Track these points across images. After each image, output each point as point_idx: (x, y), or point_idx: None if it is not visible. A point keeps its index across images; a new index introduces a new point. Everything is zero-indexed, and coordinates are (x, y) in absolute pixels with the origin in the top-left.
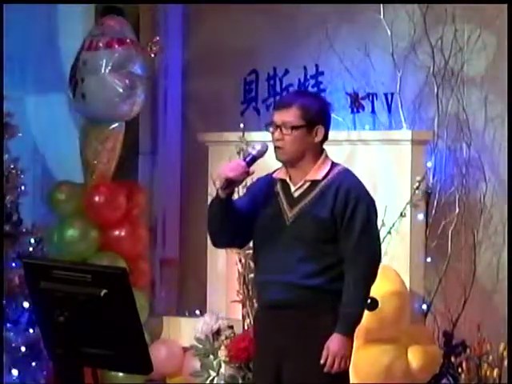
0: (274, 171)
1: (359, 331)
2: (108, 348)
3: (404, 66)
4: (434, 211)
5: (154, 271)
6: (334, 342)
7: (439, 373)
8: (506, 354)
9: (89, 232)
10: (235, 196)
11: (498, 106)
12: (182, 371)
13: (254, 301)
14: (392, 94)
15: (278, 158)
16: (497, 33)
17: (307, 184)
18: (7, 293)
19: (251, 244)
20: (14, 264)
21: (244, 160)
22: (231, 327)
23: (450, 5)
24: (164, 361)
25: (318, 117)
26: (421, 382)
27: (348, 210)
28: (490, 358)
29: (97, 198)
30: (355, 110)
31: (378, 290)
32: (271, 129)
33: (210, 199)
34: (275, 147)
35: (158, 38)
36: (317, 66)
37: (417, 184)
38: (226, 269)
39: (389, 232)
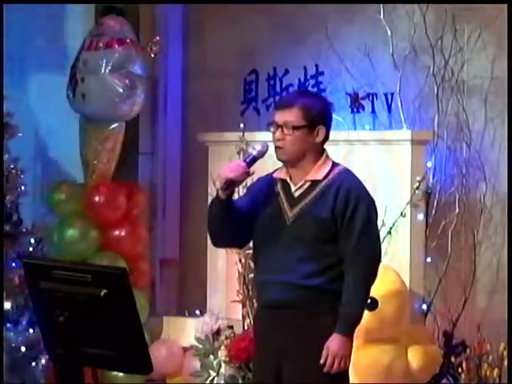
0: (275, 171)
1: (359, 331)
2: (108, 348)
3: (404, 66)
4: (434, 211)
5: (154, 271)
6: (334, 342)
7: (439, 373)
8: (506, 353)
9: (89, 232)
10: (235, 196)
11: (497, 106)
12: (181, 371)
13: (254, 301)
14: (392, 94)
15: (278, 158)
16: (497, 33)
17: (307, 184)
18: (7, 293)
19: (251, 244)
20: (14, 264)
21: (244, 161)
22: (231, 327)
23: (450, 5)
24: (164, 361)
25: (319, 117)
26: (421, 381)
27: (348, 210)
28: (490, 358)
29: (97, 198)
30: (355, 109)
31: (378, 290)
32: (272, 128)
33: (210, 199)
34: (276, 147)
35: (157, 38)
36: (317, 66)
37: (417, 184)
38: (225, 269)
39: (389, 232)
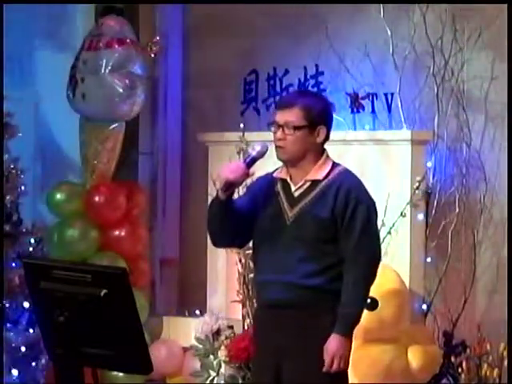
0: (275, 170)
1: (359, 331)
2: (108, 348)
3: (404, 66)
4: (434, 211)
5: (154, 271)
6: (333, 342)
7: (439, 373)
8: (506, 353)
9: (89, 232)
10: (235, 195)
11: (497, 106)
12: (182, 371)
13: (254, 301)
14: (392, 94)
15: (279, 158)
16: (497, 33)
17: (308, 184)
18: (7, 293)
19: (251, 244)
20: (14, 264)
21: (244, 161)
22: (231, 327)
23: (450, 5)
24: (164, 361)
25: (320, 117)
26: (421, 381)
27: (348, 210)
28: (490, 358)
29: (97, 198)
30: (355, 109)
31: (377, 289)
32: (273, 128)
33: (210, 199)
34: (277, 146)
35: (158, 38)
36: (317, 66)
37: (417, 184)
38: (225, 269)
39: (389, 232)
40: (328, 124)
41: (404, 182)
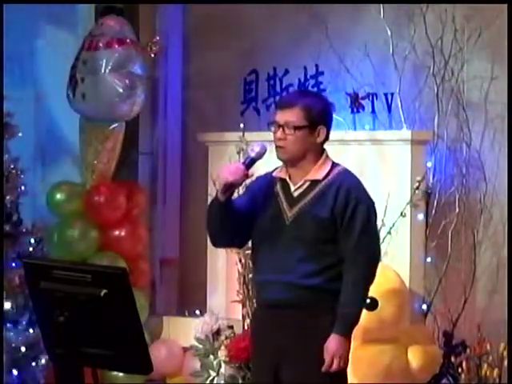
0: (274, 170)
1: (358, 331)
2: (108, 348)
3: (404, 66)
4: (434, 211)
5: (154, 271)
6: (333, 342)
7: (439, 373)
8: (506, 353)
9: (89, 232)
10: (234, 195)
11: (497, 106)
12: (181, 371)
13: (254, 301)
14: (392, 94)
15: (279, 157)
16: (497, 33)
17: (307, 184)
18: (7, 293)
19: (250, 243)
20: (14, 264)
21: (243, 163)
22: (231, 327)
23: (450, 5)
24: (164, 361)
25: (320, 117)
26: (421, 381)
27: (348, 210)
28: (490, 358)
29: (97, 198)
30: (355, 109)
31: (377, 289)
32: (273, 128)
33: (210, 199)
34: (277, 146)
35: (158, 38)
36: (317, 66)
37: (417, 184)
38: (225, 269)
39: (389, 232)
40: (328, 124)
41: (404, 182)
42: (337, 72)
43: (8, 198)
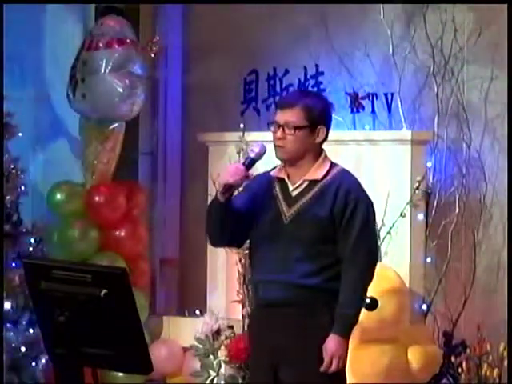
0: (272, 169)
1: (358, 331)
2: (108, 348)
3: (404, 66)
4: (434, 211)
5: (154, 271)
6: (331, 343)
7: (439, 373)
8: (506, 353)
9: (89, 232)
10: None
11: (497, 106)
12: (182, 371)
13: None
14: (392, 94)
15: (278, 157)
16: (497, 33)
17: (306, 183)
18: (7, 293)
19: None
20: (14, 264)
21: (243, 164)
22: (231, 327)
23: (450, 5)
24: (164, 361)
25: (320, 117)
26: (421, 381)
27: (347, 211)
28: (490, 358)
29: (97, 198)
30: (355, 109)
31: (377, 289)
32: (273, 128)
33: (210, 199)
34: (277, 146)
35: (157, 38)
36: (317, 66)
37: (417, 184)
38: (225, 269)
39: (389, 232)
40: (328, 124)
41: (404, 182)
42: (337, 72)
43: (8, 198)
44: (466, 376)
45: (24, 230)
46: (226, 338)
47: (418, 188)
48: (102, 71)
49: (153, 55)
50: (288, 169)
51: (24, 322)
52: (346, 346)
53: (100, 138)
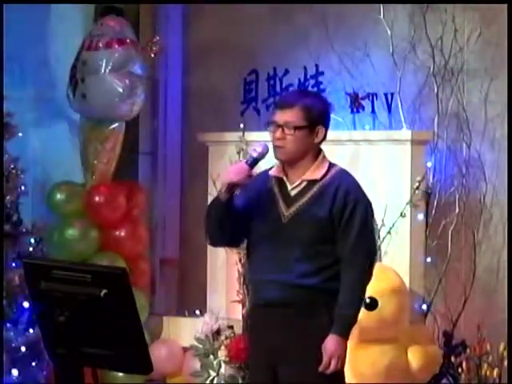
0: (270, 168)
1: (358, 331)
2: (108, 348)
3: (404, 66)
4: (434, 211)
5: (154, 271)
6: (331, 343)
7: (439, 373)
8: (506, 353)
9: (89, 232)
10: None
11: (497, 106)
12: (182, 371)
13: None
14: (392, 94)
15: (277, 157)
16: (497, 33)
17: (304, 183)
18: (7, 293)
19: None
20: (14, 264)
21: (246, 163)
22: (231, 327)
23: (449, 5)
24: (164, 361)
25: (319, 118)
26: (421, 381)
27: (347, 211)
28: (490, 358)
29: (97, 198)
30: (355, 109)
31: (377, 289)
32: (272, 128)
33: (210, 199)
34: (276, 146)
35: (158, 38)
36: (317, 66)
37: (417, 184)
38: (225, 269)
39: (389, 232)
40: (326, 124)
41: (404, 182)
42: (337, 72)
43: (8, 198)
44: (465, 376)
45: (24, 230)
46: (226, 338)
47: (417, 188)
48: (102, 71)
49: (153, 55)
50: (286, 168)
51: (24, 322)
52: (345, 347)
53: (100, 137)
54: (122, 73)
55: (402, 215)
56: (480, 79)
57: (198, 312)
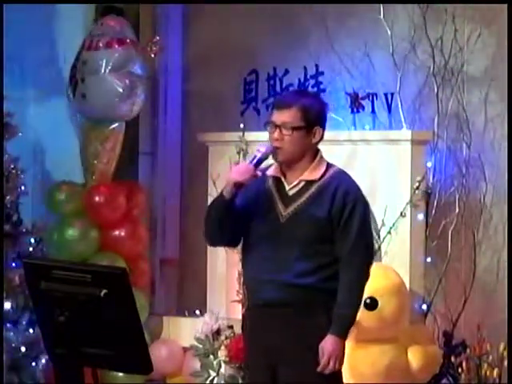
0: (267, 168)
1: (357, 331)
2: (108, 348)
3: (404, 66)
4: (434, 211)
5: (154, 271)
6: (329, 343)
7: (439, 373)
8: (506, 353)
9: (89, 232)
10: None
11: (497, 106)
12: (182, 371)
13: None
14: (392, 94)
15: (275, 158)
16: (497, 33)
17: (302, 183)
18: (7, 293)
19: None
20: (14, 264)
21: (250, 163)
22: (231, 327)
23: (450, 5)
24: (164, 361)
25: (317, 118)
26: (421, 381)
27: (346, 211)
28: (490, 358)
29: (97, 198)
30: (355, 109)
31: (377, 289)
32: (269, 128)
33: (210, 199)
34: (274, 147)
35: (158, 38)
36: (317, 66)
37: (417, 184)
38: (225, 269)
39: (389, 232)
40: (323, 124)
41: (404, 182)
42: (337, 72)
43: (8, 198)
44: (466, 376)
45: (24, 230)
46: (226, 338)
47: (418, 188)
48: (102, 71)
49: (153, 55)
50: (284, 169)
51: (24, 322)
52: (343, 347)
53: (100, 137)
54: (122, 73)
55: (402, 215)
56: (480, 79)
57: (198, 312)
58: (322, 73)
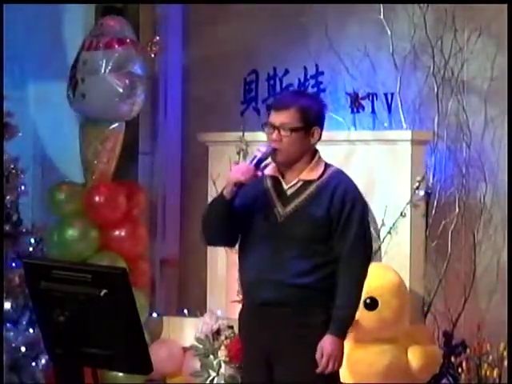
0: (264, 167)
1: (357, 331)
2: (108, 348)
3: (404, 66)
4: (434, 211)
5: (154, 271)
6: (328, 343)
7: (439, 373)
8: (506, 353)
9: (89, 232)
10: None
11: (497, 106)
12: (181, 371)
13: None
14: (392, 94)
15: (274, 159)
16: (497, 33)
17: (300, 183)
18: (7, 293)
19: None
20: (14, 264)
21: (250, 163)
22: (231, 327)
23: (450, 5)
24: (164, 361)
25: (315, 118)
26: (421, 381)
27: (345, 211)
28: (490, 358)
29: (97, 198)
30: (355, 109)
31: (377, 289)
32: (267, 129)
33: (210, 199)
34: (272, 148)
35: (158, 38)
36: (317, 66)
37: (417, 184)
38: (225, 269)
39: (389, 232)
40: (322, 124)
41: (404, 181)
42: (337, 72)
43: (8, 198)
44: (466, 376)
45: (24, 230)
46: (226, 338)
47: (418, 188)
48: (102, 71)
49: (153, 55)
50: (282, 168)
51: (24, 322)
52: (342, 347)
53: (100, 137)
54: (122, 73)
55: (402, 215)
56: (480, 79)
57: (198, 312)
58: (322, 73)
